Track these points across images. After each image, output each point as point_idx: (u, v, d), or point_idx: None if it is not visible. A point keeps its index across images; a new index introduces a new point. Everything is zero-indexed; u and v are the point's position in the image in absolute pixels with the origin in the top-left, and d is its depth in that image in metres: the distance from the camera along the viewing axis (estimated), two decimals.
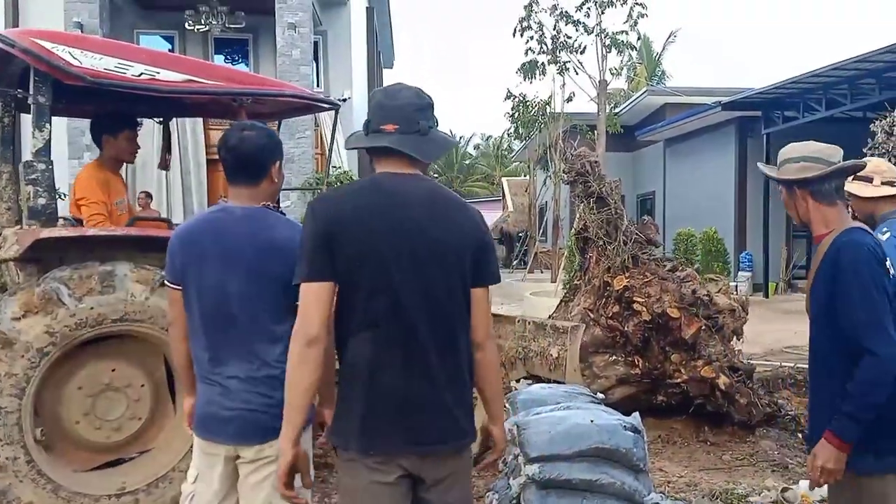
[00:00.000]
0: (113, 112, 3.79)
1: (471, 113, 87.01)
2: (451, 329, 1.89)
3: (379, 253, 1.82)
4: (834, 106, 11.91)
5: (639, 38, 14.74)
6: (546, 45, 13.76)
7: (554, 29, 13.74)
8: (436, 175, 33.78)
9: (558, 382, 4.56)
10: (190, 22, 12.54)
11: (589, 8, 13.49)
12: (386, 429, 1.85)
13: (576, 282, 5.65)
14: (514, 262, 24.65)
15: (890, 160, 5.53)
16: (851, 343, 2.10)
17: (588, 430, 3.01)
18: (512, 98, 14.72)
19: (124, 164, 4.04)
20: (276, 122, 4.64)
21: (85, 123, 4.06)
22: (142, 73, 3.34)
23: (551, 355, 4.88)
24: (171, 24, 13.71)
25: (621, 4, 13.40)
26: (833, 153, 2.25)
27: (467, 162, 42.28)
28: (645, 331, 4.74)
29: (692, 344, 4.72)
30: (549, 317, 5.52)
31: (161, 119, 4.51)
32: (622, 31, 13.51)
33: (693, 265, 9.85)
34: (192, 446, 2.36)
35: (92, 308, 3.21)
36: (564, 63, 13.75)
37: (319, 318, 1.80)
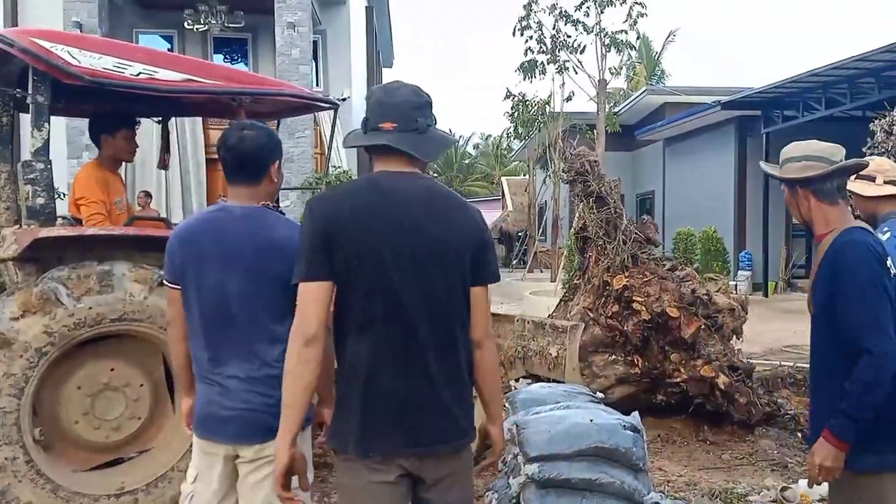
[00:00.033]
0: (111, 111, 3.79)
1: (470, 112, 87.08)
2: (450, 328, 1.88)
3: (377, 252, 1.82)
4: (833, 105, 11.92)
5: (638, 38, 14.73)
6: (545, 44, 13.75)
7: (553, 28, 13.73)
8: (435, 174, 33.75)
9: (557, 381, 4.56)
10: (189, 21, 12.53)
11: (588, 7, 13.49)
12: (385, 429, 1.84)
13: (575, 281, 5.65)
14: (514, 262, 24.65)
15: (890, 159, 5.52)
16: (850, 343, 2.10)
17: (587, 430, 3.01)
18: (511, 97, 14.70)
19: (123, 163, 4.04)
20: (275, 122, 4.64)
21: (84, 123, 4.05)
22: (140, 73, 3.34)
23: (550, 354, 4.87)
24: (171, 23, 13.70)
25: (621, 4, 13.38)
26: (835, 152, 2.25)
27: (467, 161, 42.27)
28: (644, 330, 4.74)
29: (692, 343, 4.72)
30: (549, 316, 5.51)
31: (160, 118, 4.51)
32: (622, 31, 13.50)
33: (692, 264, 9.85)
34: (191, 446, 2.36)
35: (90, 308, 3.20)
36: (564, 62, 13.74)
37: (318, 317, 1.79)
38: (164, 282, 2.32)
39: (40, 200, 3.29)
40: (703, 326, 4.75)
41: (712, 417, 4.88)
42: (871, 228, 2.32)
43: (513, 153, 27.94)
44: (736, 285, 11.97)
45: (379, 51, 21.90)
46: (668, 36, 26.21)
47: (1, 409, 3.08)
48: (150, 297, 3.27)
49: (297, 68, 12.61)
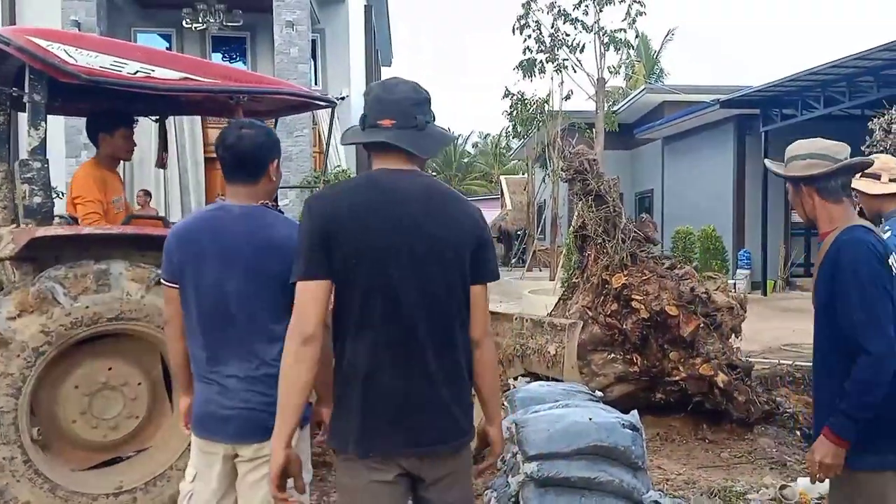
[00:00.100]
0: (109, 110, 3.78)
1: (469, 111, 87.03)
2: (449, 327, 1.87)
3: (376, 250, 1.81)
4: (832, 103, 11.91)
5: (637, 36, 14.69)
6: (544, 43, 13.74)
7: (552, 27, 13.72)
8: (434, 173, 33.76)
9: (556, 380, 4.56)
10: (187, 20, 12.52)
11: (587, 6, 13.47)
12: (385, 429, 1.83)
13: (574, 280, 5.65)
14: (513, 261, 24.63)
15: None
16: (850, 342, 2.10)
17: (586, 428, 3.01)
18: (510, 96, 14.69)
19: (122, 162, 4.03)
20: (273, 120, 4.63)
21: (82, 122, 4.04)
22: (137, 71, 3.33)
23: (549, 352, 4.87)
24: (169, 22, 13.69)
25: (619, 2, 13.37)
26: (840, 150, 2.24)
27: (466, 160, 42.26)
28: (643, 328, 4.74)
29: (690, 342, 4.72)
30: (548, 314, 5.51)
31: (157, 117, 4.50)
32: (620, 29, 13.48)
33: (691, 263, 9.84)
34: (189, 445, 2.35)
35: (87, 307, 3.20)
36: (563, 61, 13.72)
37: (316, 316, 1.78)
38: (162, 280, 2.31)
39: (37, 199, 3.28)
40: (701, 325, 4.75)
41: (711, 416, 4.88)
42: (873, 227, 2.32)
43: (511, 152, 27.93)
44: (735, 284, 11.98)
45: (377, 50, 21.90)
46: (667, 34, 26.24)
47: None
48: (148, 295, 3.27)
49: (296, 67, 12.61)
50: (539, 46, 13.80)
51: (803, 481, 3.76)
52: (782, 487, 3.76)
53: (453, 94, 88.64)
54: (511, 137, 17.74)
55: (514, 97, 14.68)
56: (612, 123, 14.62)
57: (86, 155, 10.19)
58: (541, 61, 13.83)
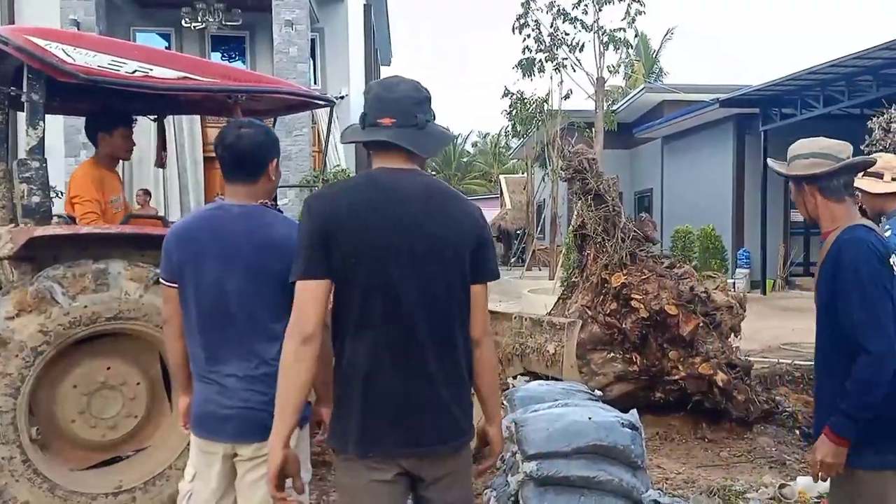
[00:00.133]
0: (108, 109, 3.78)
1: (468, 110, 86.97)
2: (449, 327, 1.86)
3: (375, 250, 1.80)
4: (831, 103, 11.92)
5: (636, 36, 14.69)
6: (544, 42, 13.74)
7: (551, 26, 13.72)
8: (433, 172, 33.73)
9: (555, 379, 4.56)
10: (186, 19, 12.52)
11: (586, 5, 13.47)
12: (385, 429, 1.83)
13: (574, 279, 5.65)
14: (512, 260, 24.63)
15: None
16: (850, 341, 2.10)
17: (586, 427, 3.00)
18: (509, 95, 14.69)
19: (121, 161, 4.03)
20: (272, 120, 4.63)
21: (81, 121, 4.04)
22: (135, 71, 3.32)
23: (548, 351, 4.87)
24: (168, 21, 13.69)
25: (619, 1, 13.37)
26: (842, 149, 2.24)
27: (465, 159, 42.27)
28: (643, 328, 4.74)
29: (690, 341, 4.72)
30: (547, 314, 5.51)
31: (155, 116, 4.50)
32: (620, 29, 13.48)
33: (691, 262, 9.85)
34: (188, 444, 2.35)
35: (86, 306, 3.19)
36: (562, 60, 13.72)
37: (315, 315, 1.78)
38: (161, 280, 2.31)
39: (35, 199, 3.28)
40: (701, 324, 4.75)
41: (710, 415, 4.88)
42: (875, 226, 2.32)
43: (511, 151, 27.93)
44: (734, 283, 11.98)
45: (377, 49, 21.89)
46: (667, 34, 26.21)
47: None
48: (146, 295, 3.26)
49: (295, 66, 12.61)
50: (538, 45, 13.80)
51: (803, 480, 3.76)
52: (782, 486, 3.76)
53: (452, 93, 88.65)
54: (510, 137, 17.76)
55: (514, 96, 14.68)
56: (612, 123, 14.63)
57: (85, 154, 10.18)
58: (540, 60, 13.83)
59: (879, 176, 2.97)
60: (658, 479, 4.04)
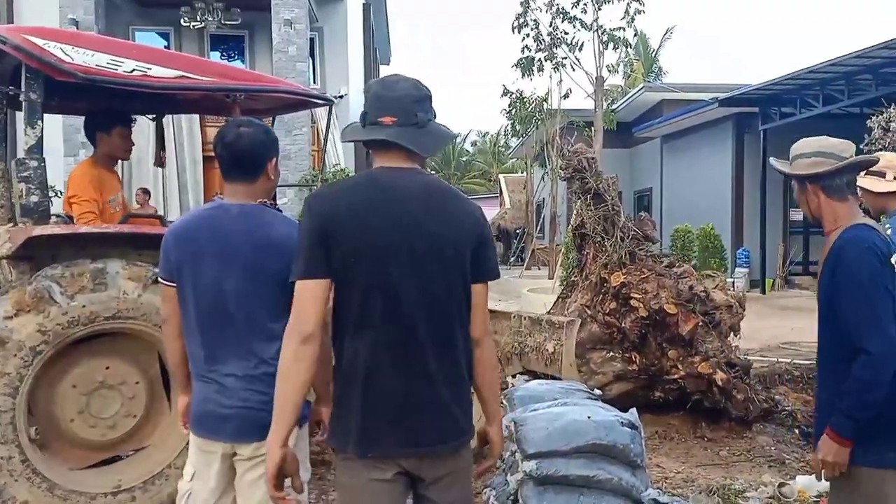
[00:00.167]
0: (106, 109, 3.78)
1: (467, 109, 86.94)
2: (449, 326, 1.86)
3: (376, 249, 1.80)
4: (831, 102, 11.92)
5: (636, 35, 14.70)
6: (543, 41, 13.74)
7: (550, 25, 13.72)
8: (433, 171, 33.72)
9: (555, 378, 4.56)
10: (186, 19, 12.52)
11: (586, 4, 13.47)
12: (385, 429, 1.82)
13: (573, 278, 5.65)
14: (512, 259, 24.64)
15: None
16: (851, 341, 2.10)
17: (585, 427, 3.00)
18: (509, 94, 14.70)
19: (119, 160, 4.02)
20: (271, 119, 4.63)
21: (80, 121, 4.03)
22: (134, 70, 3.32)
23: (547, 350, 4.87)
24: (167, 20, 13.69)
25: (618, 0, 13.38)
26: (845, 148, 2.24)
27: (464, 159, 42.27)
28: (642, 327, 4.74)
29: (689, 340, 4.71)
30: (547, 312, 5.50)
31: (154, 116, 4.49)
32: (619, 28, 13.49)
33: (690, 261, 9.85)
34: (187, 443, 2.35)
35: (84, 306, 3.19)
36: (561, 59, 13.72)
37: (315, 315, 1.77)
38: (160, 279, 2.30)
39: (34, 198, 3.28)
40: (700, 323, 4.75)
41: (710, 414, 4.88)
42: (877, 225, 2.32)
43: (510, 150, 27.92)
44: (733, 282, 11.97)
45: (376, 48, 21.88)
46: (666, 33, 26.27)
47: None
48: (145, 294, 3.26)
49: (294, 65, 12.61)
50: (538, 45, 13.80)
51: (802, 479, 3.76)
52: (781, 485, 3.76)
53: (452, 92, 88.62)
54: (510, 136, 17.76)
55: (513, 95, 14.69)
56: (611, 122, 14.63)
57: (84, 154, 10.17)
58: (539, 60, 13.83)
59: (882, 175, 2.97)
60: (657, 478, 4.03)
